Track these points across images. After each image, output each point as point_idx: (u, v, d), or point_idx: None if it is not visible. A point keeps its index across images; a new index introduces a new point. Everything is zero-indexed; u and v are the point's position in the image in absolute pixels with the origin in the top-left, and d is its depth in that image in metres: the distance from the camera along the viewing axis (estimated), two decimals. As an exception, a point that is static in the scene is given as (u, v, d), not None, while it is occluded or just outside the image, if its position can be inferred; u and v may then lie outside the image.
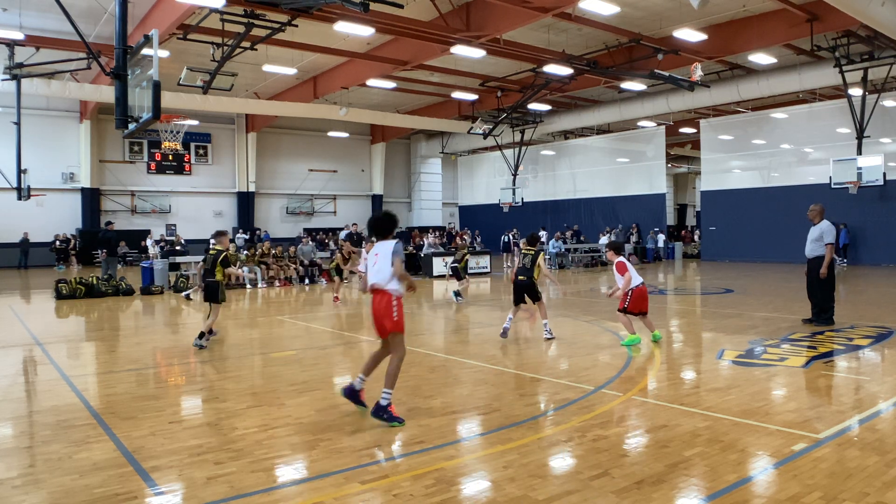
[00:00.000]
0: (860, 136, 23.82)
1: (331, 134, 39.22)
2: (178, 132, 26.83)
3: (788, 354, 8.72)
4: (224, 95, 25.94)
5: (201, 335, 9.77)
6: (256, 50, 20.73)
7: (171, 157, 35.19)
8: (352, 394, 6.08)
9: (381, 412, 5.70)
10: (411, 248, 26.92)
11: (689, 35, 20.52)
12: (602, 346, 9.57)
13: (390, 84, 28.10)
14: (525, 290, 10.16)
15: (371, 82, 27.14)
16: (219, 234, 10.44)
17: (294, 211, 39.63)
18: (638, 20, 21.11)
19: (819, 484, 4.35)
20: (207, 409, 6.44)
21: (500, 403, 6.42)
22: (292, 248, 22.81)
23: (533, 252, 10.24)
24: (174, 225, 34.95)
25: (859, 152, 23.95)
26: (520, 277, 10.19)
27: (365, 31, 19.41)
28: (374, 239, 6.07)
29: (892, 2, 16.30)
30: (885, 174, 23.51)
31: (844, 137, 25.72)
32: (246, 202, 37.53)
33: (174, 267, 20.16)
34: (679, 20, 20.53)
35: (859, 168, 23.90)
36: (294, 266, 21.61)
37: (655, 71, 22.71)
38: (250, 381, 7.65)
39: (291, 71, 25.83)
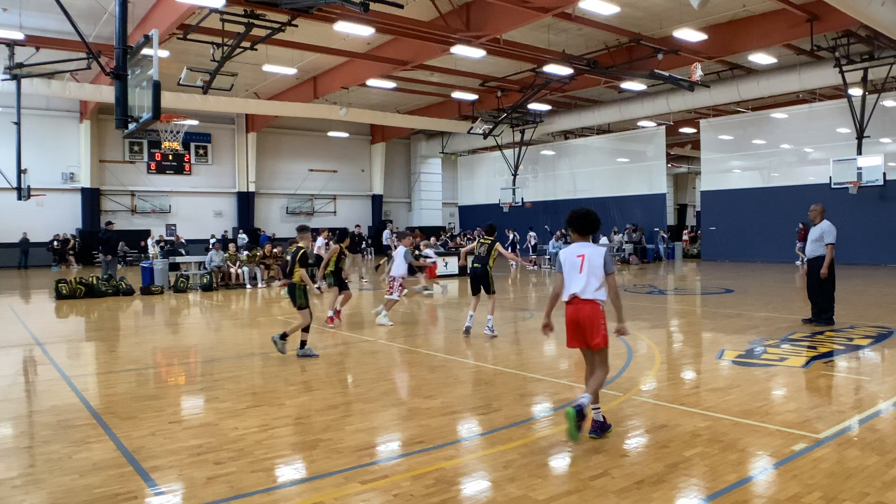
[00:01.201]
0: (860, 136, 23.82)
1: (331, 134, 39.21)
2: (178, 132, 26.84)
3: (788, 354, 8.72)
4: (224, 95, 25.97)
5: (302, 344, 8.95)
6: (256, 50, 20.72)
7: (171, 157, 35.20)
8: (581, 415, 5.04)
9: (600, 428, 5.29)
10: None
11: (689, 35, 20.51)
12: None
13: (390, 84, 28.10)
14: (480, 280, 10.46)
15: (371, 82, 27.13)
16: (302, 230, 9.34)
17: (294, 211, 39.62)
18: (638, 20, 21.11)
19: (819, 484, 4.35)
20: (207, 409, 6.44)
21: (500, 403, 6.43)
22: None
23: (489, 241, 10.51)
24: (174, 225, 34.98)
25: (859, 152, 23.96)
26: (475, 265, 10.50)
27: (365, 31, 19.41)
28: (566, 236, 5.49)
29: (892, 2, 16.30)
30: (885, 174, 23.51)
31: (844, 137, 25.72)
32: (246, 202, 37.53)
33: (174, 267, 20.17)
34: (679, 20, 20.52)
35: (859, 168, 23.91)
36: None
37: (655, 71, 22.70)
38: (250, 381, 7.64)
39: (291, 71, 25.82)
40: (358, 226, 29.38)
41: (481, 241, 10.69)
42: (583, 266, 5.23)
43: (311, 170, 40.23)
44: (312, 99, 29.71)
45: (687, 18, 20.33)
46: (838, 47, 21.62)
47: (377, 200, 42.85)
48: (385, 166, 42.83)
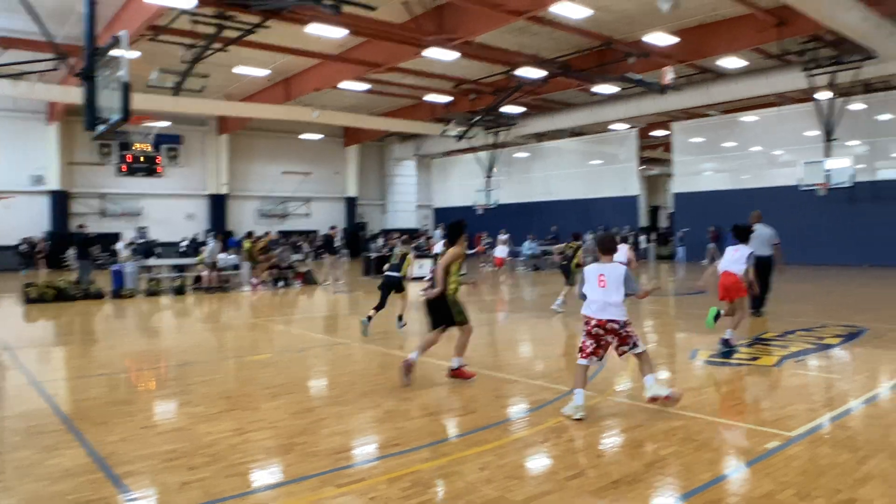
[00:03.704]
0: (828, 138, 24.21)
1: (304, 136, 39.00)
2: (148, 134, 26.53)
3: (760, 354, 8.84)
4: (195, 97, 25.70)
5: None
6: (228, 51, 20.54)
7: (141, 159, 34.70)
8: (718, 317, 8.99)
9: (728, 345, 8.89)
10: (386, 250, 26.85)
11: (660, 39, 20.71)
12: (577, 347, 9.58)
13: (363, 86, 27.99)
14: (564, 270, 13.70)
15: (343, 84, 27.03)
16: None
17: (267, 213, 39.30)
18: (610, 24, 21.26)
19: (792, 481, 4.41)
20: (180, 414, 6.37)
21: (476, 405, 6.43)
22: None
23: (575, 246, 13.67)
24: (145, 227, 34.48)
25: (827, 155, 24.35)
26: (563, 262, 13.78)
27: (337, 32, 19.33)
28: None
29: (857, 7, 16.60)
30: (853, 176, 23.90)
31: (813, 140, 26.10)
32: (218, 205, 37.15)
33: (145, 270, 19.89)
34: (650, 24, 20.71)
35: (827, 170, 24.28)
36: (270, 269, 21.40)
37: (627, 74, 22.89)
38: (224, 384, 7.57)
39: (263, 72, 25.63)
40: (334, 227, 29.04)
41: (569, 244, 13.87)
42: (735, 256, 8.94)
43: (285, 172, 39.95)
44: (285, 101, 29.49)
45: (658, 22, 20.52)
46: (806, 52, 21.94)
47: (351, 203, 42.69)
48: (359, 168, 42.70)
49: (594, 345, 6.00)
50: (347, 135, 41.75)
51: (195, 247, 30.21)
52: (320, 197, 41.62)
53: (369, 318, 10.70)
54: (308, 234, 39.30)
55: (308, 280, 21.27)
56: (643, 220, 37.48)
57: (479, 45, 21.76)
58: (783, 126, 28.37)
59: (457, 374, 7.29)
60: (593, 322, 5.96)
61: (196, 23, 18.31)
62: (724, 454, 5.08)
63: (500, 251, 25.11)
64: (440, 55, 21.48)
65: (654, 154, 42.82)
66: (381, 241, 20.03)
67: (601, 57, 23.66)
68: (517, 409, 6.46)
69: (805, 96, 25.63)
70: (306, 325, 12.94)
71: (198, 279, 19.76)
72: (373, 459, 5.03)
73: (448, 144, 37.50)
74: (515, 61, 23.32)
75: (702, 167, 32.15)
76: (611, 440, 5.43)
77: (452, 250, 7.11)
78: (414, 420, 5.94)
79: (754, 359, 8.53)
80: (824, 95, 23.78)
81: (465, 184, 41.58)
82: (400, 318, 11.21)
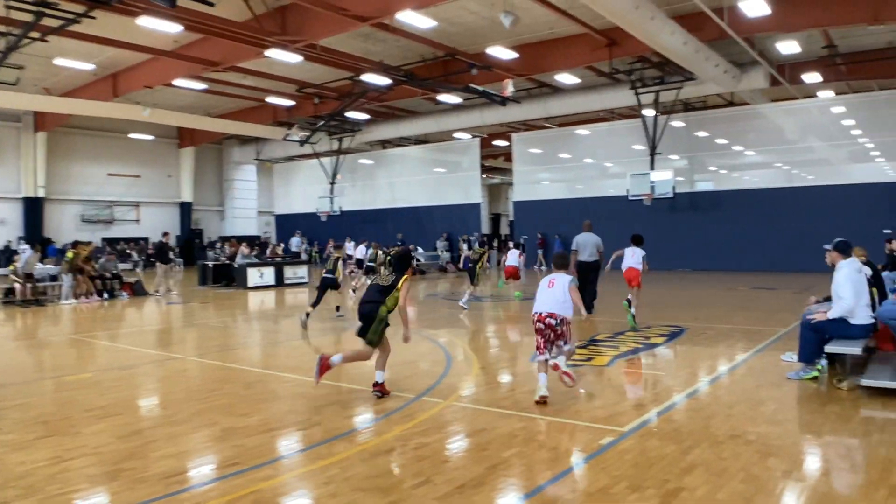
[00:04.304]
0: (653, 152, 26.02)
1: (133, 136, 36.55)
2: (-49, 129, 23.81)
3: (594, 354, 9.29)
4: (8, 90, 23.39)
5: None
6: (48, 41, 18.89)
7: (-58, 158, 31.09)
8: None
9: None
10: (224, 258, 25.78)
11: (502, 53, 21.43)
12: (422, 354, 9.63)
13: (200, 85, 26.67)
14: (470, 272, 15.82)
15: (178, 82, 25.63)
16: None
17: (91, 219, 36.34)
18: (454, 35, 21.70)
19: (625, 474, 4.63)
20: (-15, 442, 5.68)
21: (320, 417, 6.25)
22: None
23: (480, 251, 16.46)
24: (-53, 234, 30.91)
25: (652, 167, 26.15)
26: (469, 264, 15.86)
27: (171, 27, 18.30)
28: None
29: (679, 32, 18.01)
30: (674, 187, 25.80)
31: (639, 154, 27.95)
32: (34, 209, 33.88)
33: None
34: (492, 38, 21.36)
35: (652, 182, 26.02)
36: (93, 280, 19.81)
37: (470, 85, 23.47)
38: (39, 408, 6.84)
39: (88, 66, 23.81)
40: (167, 233, 27.09)
41: (475, 251, 16.65)
42: (633, 256, 11.91)
43: (111, 174, 37.21)
44: (112, 97, 27.52)
45: (499, 37, 21.20)
46: (634, 71, 23.57)
47: (186, 208, 40.54)
48: (195, 172, 40.60)
49: (542, 339, 6.72)
50: (182, 136, 39.67)
51: (7, 255, 27.53)
52: (151, 201, 39.23)
53: (307, 314, 12.08)
54: (138, 242, 37.02)
55: (137, 291, 19.97)
56: (485, 228, 38.54)
57: (324, 49, 21.46)
58: (613, 140, 30.30)
59: (323, 367, 6.82)
60: (536, 318, 6.76)
61: (11, 9, 16.68)
62: (562, 452, 5.25)
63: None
64: (283, 57, 20.97)
65: (495, 163, 44.22)
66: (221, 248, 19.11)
67: (446, 67, 24.11)
68: (362, 419, 6.35)
69: (633, 112, 27.49)
70: (135, 339, 12.07)
71: (9, 292, 17.94)
72: (209, 481, 4.72)
73: (291, 149, 36.68)
74: (361, 67, 23.22)
75: (540, 177, 33.62)
76: (455, 445, 5.46)
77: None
78: (254, 437, 5.66)
79: (589, 359, 8.94)
80: (649, 112, 25.59)
81: (308, 190, 40.76)
82: (337, 308, 13.51)
